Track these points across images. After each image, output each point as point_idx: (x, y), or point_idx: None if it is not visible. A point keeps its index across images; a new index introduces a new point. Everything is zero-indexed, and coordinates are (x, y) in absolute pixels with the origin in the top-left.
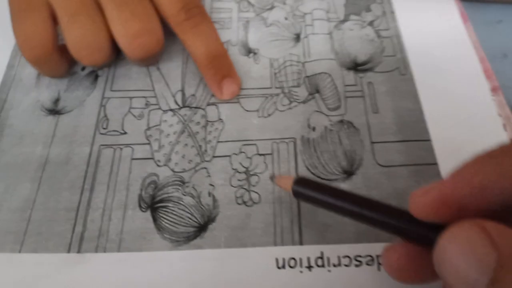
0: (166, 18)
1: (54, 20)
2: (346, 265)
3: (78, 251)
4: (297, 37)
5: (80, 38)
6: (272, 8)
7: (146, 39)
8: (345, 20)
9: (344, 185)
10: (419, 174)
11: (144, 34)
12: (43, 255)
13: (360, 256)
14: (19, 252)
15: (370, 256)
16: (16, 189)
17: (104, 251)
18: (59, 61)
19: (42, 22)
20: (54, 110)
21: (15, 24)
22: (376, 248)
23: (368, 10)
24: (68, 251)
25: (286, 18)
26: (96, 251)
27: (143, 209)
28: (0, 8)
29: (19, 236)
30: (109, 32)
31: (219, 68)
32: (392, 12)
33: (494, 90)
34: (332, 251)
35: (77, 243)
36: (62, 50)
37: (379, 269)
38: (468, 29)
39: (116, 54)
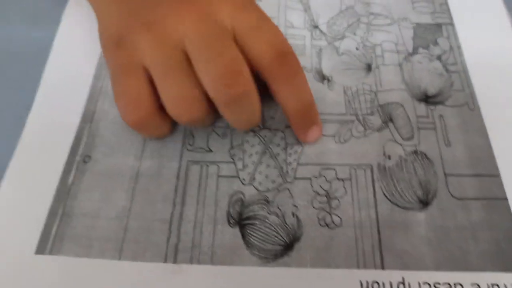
0: (256, 66)
1: (153, 82)
2: None
3: (174, 262)
4: (369, 67)
5: (175, 95)
6: (343, 38)
7: (232, 81)
8: (413, 52)
9: (421, 215)
10: (491, 207)
11: (229, 75)
12: (141, 264)
13: (439, 284)
14: (119, 259)
15: (449, 284)
16: (111, 198)
17: (199, 263)
18: (162, 122)
19: (141, 85)
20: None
21: (115, 88)
22: (454, 277)
23: (436, 44)
24: (165, 261)
25: (357, 48)
26: (191, 262)
27: (232, 225)
28: (86, 17)
29: (118, 243)
30: (200, 85)
31: (308, 117)
32: (459, 47)
33: None
34: (413, 277)
35: (173, 254)
36: (164, 111)
37: None
38: None
39: (215, 113)
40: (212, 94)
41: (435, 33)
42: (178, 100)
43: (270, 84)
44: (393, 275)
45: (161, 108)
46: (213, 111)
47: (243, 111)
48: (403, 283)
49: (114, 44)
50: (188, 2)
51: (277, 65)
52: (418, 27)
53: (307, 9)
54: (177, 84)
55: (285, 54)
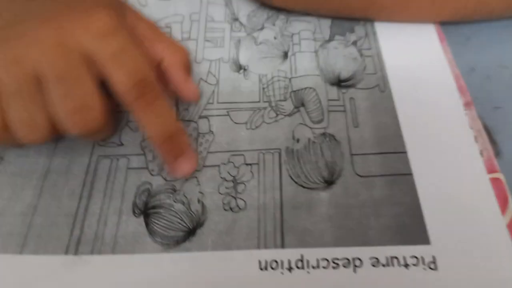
0: (116, 94)
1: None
2: (324, 267)
3: (75, 253)
4: (285, 55)
5: (18, 118)
6: (262, 28)
7: (81, 117)
8: (330, 39)
9: (325, 194)
10: (395, 183)
11: (79, 112)
12: (42, 257)
13: (337, 259)
14: (20, 253)
15: (347, 259)
16: (19, 196)
17: (100, 253)
18: (12, 139)
19: None
20: None
21: None
22: (353, 252)
23: (352, 31)
24: (66, 253)
25: (275, 38)
26: (92, 253)
27: (137, 215)
28: None
29: (21, 238)
30: (48, 110)
31: (173, 148)
32: (374, 33)
33: (467, 105)
34: (311, 254)
35: (74, 246)
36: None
37: (355, 271)
38: (444, 48)
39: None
40: (64, 127)
41: (352, 21)
42: (21, 123)
43: (131, 112)
44: (292, 253)
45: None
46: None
47: (94, 138)
48: (301, 260)
49: None
50: (49, 27)
51: (134, 94)
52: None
53: (228, 3)
54: (21, 108)
55: (143, 83)
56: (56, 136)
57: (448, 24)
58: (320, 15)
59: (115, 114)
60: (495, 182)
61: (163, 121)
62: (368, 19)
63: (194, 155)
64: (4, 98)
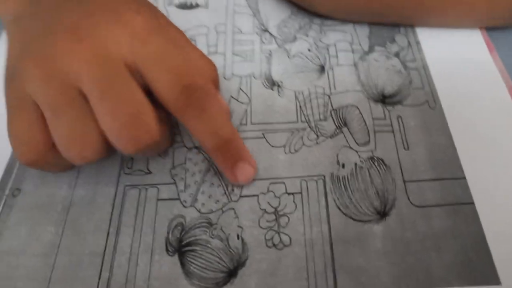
0: (162, 101)
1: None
2: None
3: None
4: (322, 68)
5: (63, 134)
6: (295, 40)
7: (134, 132)
8: (370, 51)
9: (378, 227)
10: (456, 214)
11: (131, 126)
12: None
13: None
14: None
15: None
16: (39, 233)
17: None
18: (59, 159)
19: (32, 123)
20: None
21: (8, 126)
22: None
23: (393, 41)
24: None
25: (309, 50)
26: None
27: (170, 254)
28: None
29: (44, 283)
30: (97, 124)
31: (230, 153)
32: (418, 43)
33: None
34: None
35: None
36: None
37: None
38: (494, 58)
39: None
40: (115, 144)
41: (392, 30)
42: (67, 139)
43: (181, 121)
44: None
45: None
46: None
47: (149, 153)
48: None
49: (9, 77)
50: (82, 37)
51: (183, 101)
52: (373, 24)
53: (256, 13)
54: (66, 123)
55: (191, 87)
56: (112, 153)
57: (495, 31)
58: (360, 20)
59: (168, 123)
60: None
61: (217, 130)
62: (411, 23)
63: (253, 159)
64: (49, 114)
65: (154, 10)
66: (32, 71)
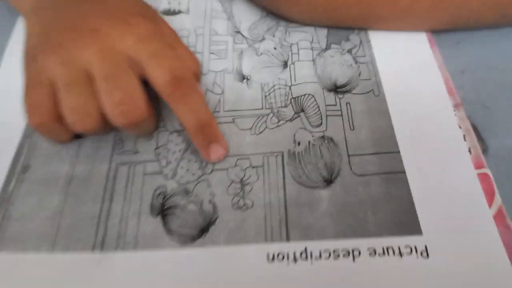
0: (156, 89)
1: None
2: (326, 258)
3: (101, 251)
4: (285, 64)
5: (72, 105)
6: (263, 40)
7: (127, 108)
8: (326, 48)
9: (325, 192)
10: (390, 181)
11: (125, 103)
12: (71, 255)
13: (338, 250)
14: (52, 251)
15: (347, 249)
16: (46, 201)
17: (123, 251)
18: (61, 129)
19: (45, 94)
20: (77, 135)
21: (24, 95)
22: (351, 243)
23: (347, 40)
24: (93, 250)
25: (275, 48)
26: (115, 250)
27: (154, 216)
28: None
29: (52, 238)
30: (98, 101)
31: (206, 135)
32: (368, 41)
33: (456, 106)
34: (314, 246)
35: (100, 244)
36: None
37: (354, 261)
38: (435, 52)
39: (110, 128)
40: (111, 118)
41: (347, 31)
42: (74, 109)
43: (169, 104)
44: (296, 246)
45: (61, 117)
46: (107, 124)
47: (138, 130)
48: (305, 251)
49: (30, 60)
50: (94, 33)
51: (171, 87)
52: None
53: (230, 17)
54: (75, 96)
55: (180, 78)
56: (108, 129)
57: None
58: (320, 25)
59: (155, 111)
60: (482, 177)
61: (196, 112)
62: (365, 29)
63: (225, 141)
64: (60, 89)
65: (155, 15)
66: (53, 58)
